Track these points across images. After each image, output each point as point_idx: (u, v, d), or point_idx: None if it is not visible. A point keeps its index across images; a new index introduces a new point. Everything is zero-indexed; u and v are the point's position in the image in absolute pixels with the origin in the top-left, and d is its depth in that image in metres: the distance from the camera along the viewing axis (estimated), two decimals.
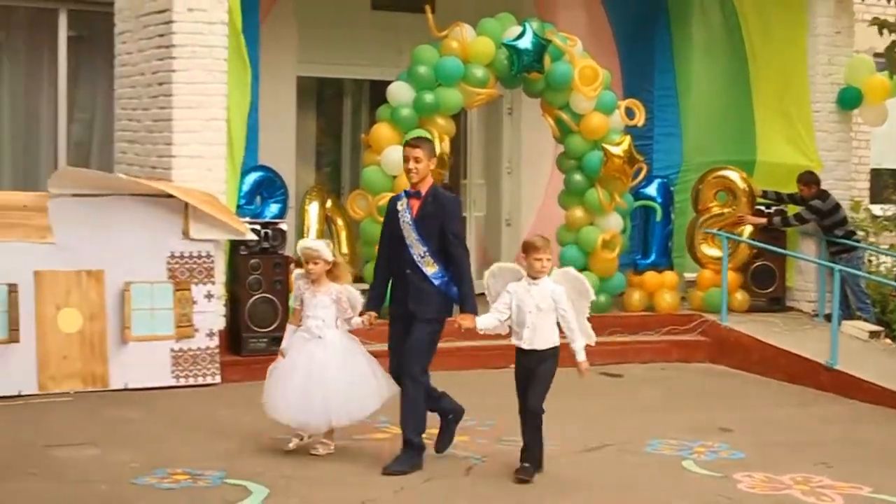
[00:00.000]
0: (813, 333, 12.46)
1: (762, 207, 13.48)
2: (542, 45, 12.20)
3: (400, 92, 12.07)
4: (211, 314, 10.50)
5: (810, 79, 13.61)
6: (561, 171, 13.12)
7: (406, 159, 7.92)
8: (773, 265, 13.44)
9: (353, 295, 8.10)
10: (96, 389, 9.96)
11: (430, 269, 7.77)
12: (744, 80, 14.09)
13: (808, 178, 13.17)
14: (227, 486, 7.32)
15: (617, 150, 12.47)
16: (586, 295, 7.82)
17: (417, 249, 7.79)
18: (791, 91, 13.70)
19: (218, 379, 10.41)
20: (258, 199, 11.95)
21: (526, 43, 12.14)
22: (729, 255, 12.88)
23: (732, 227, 13.29)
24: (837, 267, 12.32)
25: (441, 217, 7.81)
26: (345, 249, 12.47)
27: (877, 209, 15.96)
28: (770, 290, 13.52)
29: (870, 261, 14.29)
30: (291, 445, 8.06)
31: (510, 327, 7.79)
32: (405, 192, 8.01)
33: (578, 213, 12.82)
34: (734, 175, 13.49)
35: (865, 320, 12.87)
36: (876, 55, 13.82)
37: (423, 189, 7.88)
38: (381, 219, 8.65)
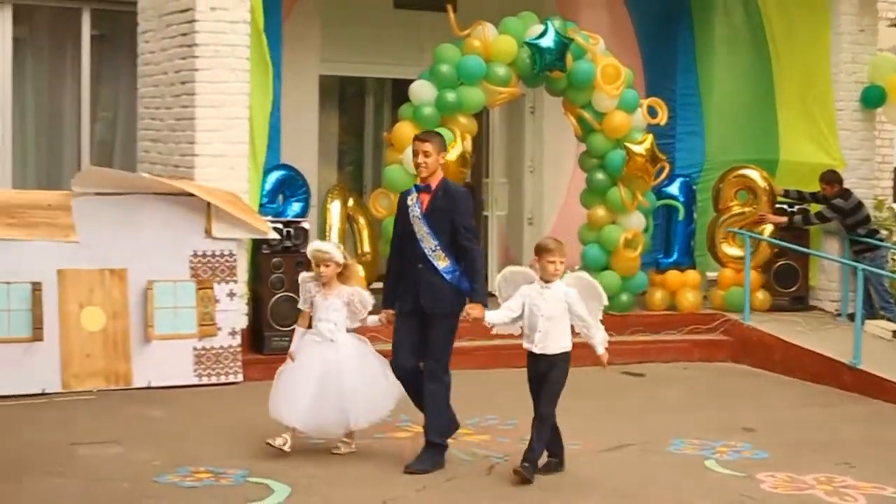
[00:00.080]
0: (836, 333, 12.40)
1: (784, 206, 13.45)
2: (564, 44, 12.18)
3: (422, 90, 12.07)
4: (233, 313, 10.53)
5: (834, 77, 13.56)
6: (583, 170, 13.10)
7: (415, 153, 7.89)
8: (796, 264, 13.42)
9: (364, 297, 8.07)
10: (119, 388, 10.00)
11: (442, 263, 7.72)
12: (767, 79, 14.06)
13: (831, 177, 13.14)
14: (250, 484, 7.33)
15: (639, 149, 12.44)
16: (599, 299, 7.79)
17: (428, 243, 7.74)
18: (814, 90, 13.66)
19: (240, 377, 10.44)
20: (280, 197, 11.97)
21: (548, 41, 12.12)
22: (750, 255, 12.85)
23: (753, 226, 13.26)
24: (861, 266, 12.28)
25: (451, 211, 7.77)
26: (367, 248, 12.48)
27: None
28: (793, 289, 13.49)
29: (893, 259, 14.22)
30: (279, 441, 7.83)
31: (522, 329, 7.76)
32: (415, 186, 7.98)
33: (600, 211, 12.79)
34: (754, 174, 13.47)
35: (889, 320, 12.81)
36: None
37: (434, 183, 7.84)
38: None
